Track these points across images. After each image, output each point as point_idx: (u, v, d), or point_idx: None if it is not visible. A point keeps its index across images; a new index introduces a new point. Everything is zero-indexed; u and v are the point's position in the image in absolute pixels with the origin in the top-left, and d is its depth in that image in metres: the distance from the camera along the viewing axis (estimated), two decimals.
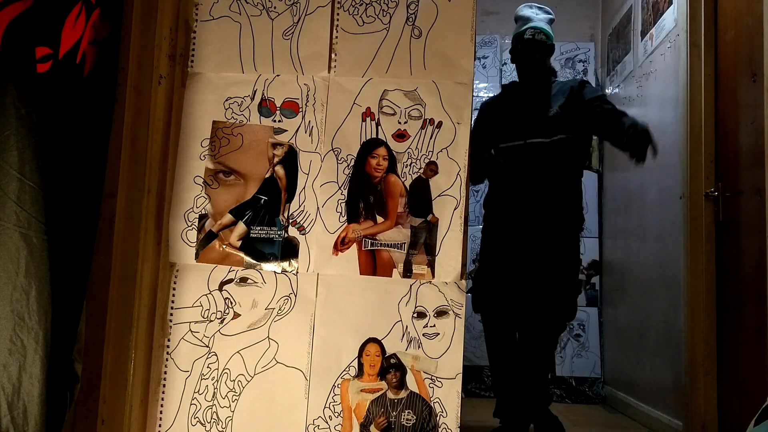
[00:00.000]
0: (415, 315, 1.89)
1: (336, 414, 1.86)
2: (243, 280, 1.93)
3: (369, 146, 1.96)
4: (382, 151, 1.95)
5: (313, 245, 1.92)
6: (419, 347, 1.88)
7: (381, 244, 1.91)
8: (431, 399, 1.86)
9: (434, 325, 1.88)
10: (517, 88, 3.00)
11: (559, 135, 2.80)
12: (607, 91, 4.25)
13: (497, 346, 2.89)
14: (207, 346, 1.91)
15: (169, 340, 1.91)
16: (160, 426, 1.88)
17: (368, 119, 1.97)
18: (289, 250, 1.92)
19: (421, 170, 1.94)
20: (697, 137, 2.74)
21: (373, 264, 1.91)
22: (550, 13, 3.02)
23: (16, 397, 1.41)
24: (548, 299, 2.76)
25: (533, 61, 2.90)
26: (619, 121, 2.61)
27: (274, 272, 1.92)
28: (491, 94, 4.38)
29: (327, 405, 1.87)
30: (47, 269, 1.45)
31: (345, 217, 1.93)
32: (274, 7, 2.03)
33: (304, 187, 1.95)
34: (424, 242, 1.90)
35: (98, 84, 1.66)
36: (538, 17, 2.94)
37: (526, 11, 2.99)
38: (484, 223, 3.01)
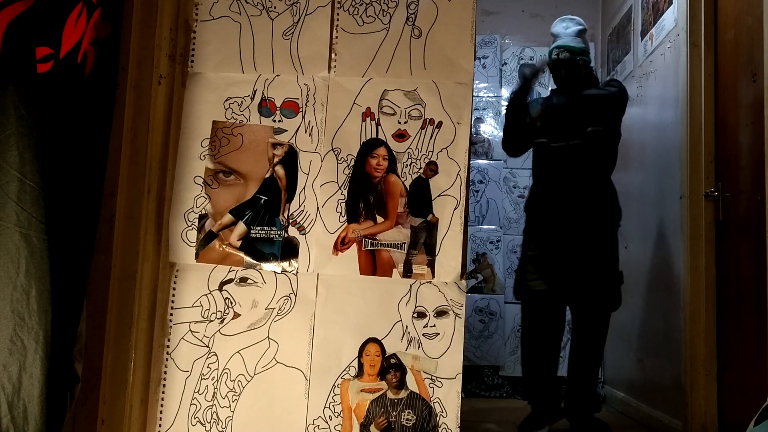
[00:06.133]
0: (415, 315, 1.89)
1: (336, 414, 1.86)
2: (243, 280, 1.93)
3: (369, 146, 1.96)
4: (382, 151, 1.95)
5: (313, 245, 1.92)
6: (419, 347, 1.88)
7: (381, 244, 1.91)
8: (431, 399, 1.86)
9: (434, 325, 1.88)
10: (560, 92, 3.17)
11: (592, 127, 2.97)
12: None
13: (535, 331, 2.99)
14: (207, 346, 1.91)
15: (169, 340, 1.92)
16: (160, 426, 1.88)
17: (368, 119, 1.97)
18: (289, 250, 1.92)
19: (421, 170, 1.94)
20: (697, 137, 2.74)
21: (373, 264, 1.91)
22: (580, 24, 3.14)
23: (16, 397, 1.41)
24: (591, 292, 2.91)
25: (561, 79, 3.11)
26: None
27: (274, 272, 1.92)
28: (492, 95, 4.38)
29: (327, 405, 1.87)
30: (47, 269, 1.45)
31: (345, 217, 1.93)
32: (274, 7, 2.03)
33: (304, 187, 1.95)
34: (424, 242, 1.90)
35: (99, 84, 1.66)
36: (566, 32, 3.10)
37: (556, 27, 3.17)
38: (527, 222, 3.16)
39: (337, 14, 2.01)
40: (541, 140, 3.07)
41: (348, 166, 1.95)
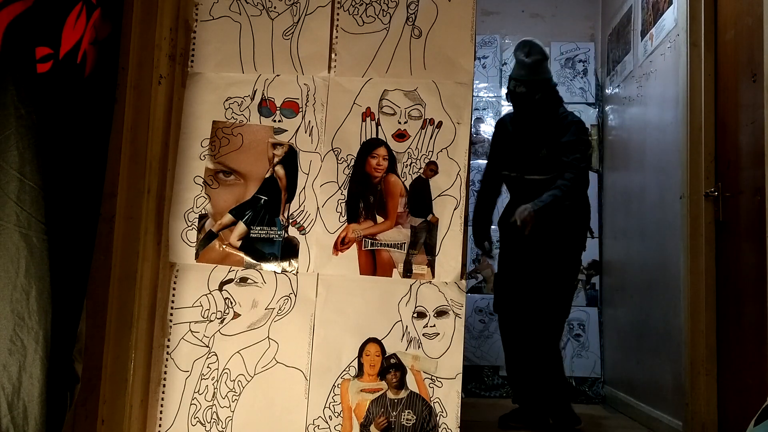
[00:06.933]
0: (415, 315, 1.89)
1: (336, 414, 1.86)
2: (243, 280, 1.93)
3: (369, 146, 1.96)
4: (382, 151, 1.95)
5: (313, 245, 1.92)
6: (419, 347, 1.88)
7: (381, 244, 1.91)
8: (431, 399, 1.86)
9: (434, 325, 1.88)
10: (515, 119, 3.29)
11: (552, 174, 3.08)
12: (607, 91, 4.25)
13: (511, 343, 3.18)
14: (207, 346, 1.91)
15: (169, 340, 1.91)
16: (160, 426, 1.88)
17: (368, 119, 1.97)
18: (289, 250, 1.92)
19: (421, 170, 1.94)
20: (697, 137, 2.74)
21: (373, 264, 1.91)
22: (541, 53, 3.18)
23: (16, 397, 1.41)
24: (542, 299, 3.08)
25: (516, 111, 3.24)
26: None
27: (274, 272, 1.92)
28: (492, 95, 4.38)
29: (327, 405, 1.87)
30: (47, 269, 1.45)
31: (345, 217, 1.93)
32: (274, 7, 2.03)
33: (304, 187, 1.95)
34: (424, 242, 1.90)
35: (98, 84, 1.66)
36: (527, 61, 3.14)
37: (518, 52, 3.20)
38: (500, 238, 3.31)
39: (337, 14, 2.01)
40: (504, 172, 3.23)
41: (348, 166, 1.95)
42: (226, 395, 1.89)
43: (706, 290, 2.65)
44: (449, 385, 1.86)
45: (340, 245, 1.92)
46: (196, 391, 1.89)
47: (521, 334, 3.14)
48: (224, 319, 1.92)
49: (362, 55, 1.99)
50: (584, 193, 3.22)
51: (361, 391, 1.87)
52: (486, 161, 3.51)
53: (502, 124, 3.37)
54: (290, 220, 1.94)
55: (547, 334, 3.09)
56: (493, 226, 3.39)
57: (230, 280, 1.93)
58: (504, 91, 4.36)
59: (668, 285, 3.04)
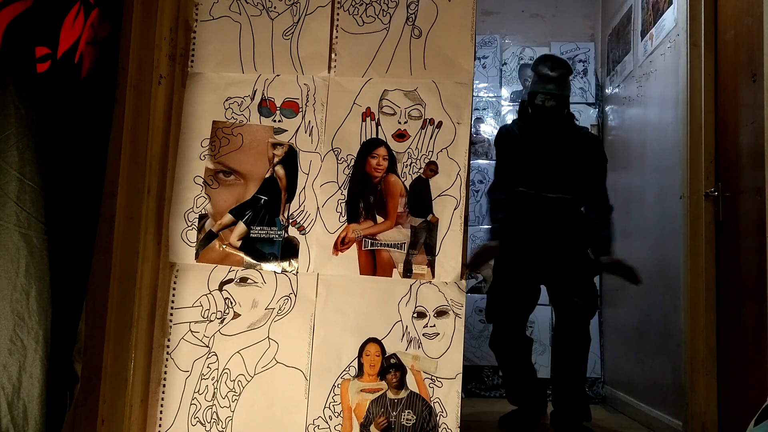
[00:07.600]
0: (415, 315, 1.89)
1: (336, 414, 1.86)
2: (243, 280, 1.93)
3: (369, 146, 1.96)
4: (382, 151, 1.95)
5: (313, 245, 1.92)
6: (419, 347, 1.88)
7: (381, 244, 1.91)
8: (431, 399, 1.86)
9: (434, 325, 1.88)
10: (532, 133, 3.10)
11: (573, 193, 3.02)
12: (607, 91, 4.25)
13: (510, 351, 3.09)
14: (207, 346, 1.91)
15: (169, 340, 1.91)
16: (160, 426, 1.88)
17: (368, 119, 1.97)
18: (289, 250, 1.92)
19: (421, 170, 1.94)
20: (697, 137, 2.74)
21: (373, 264, 1.91)
22: (566, 68, 3.09)
23: (16, 397, 1.41)
24: (569, 292, 2.99)
25: (540, 124, 3.07)
26: (599, 237, 3.00)
27: (274, 272, 1.92)
28: (492, 95, 4.38)
29: (327, 405, 1.87)
30: (47, 269, 1.45)
31: (345, 217, 1.93)
32: (274, 7, 2.03)
33: (304, 187, 1.95)
34: (424, 242, 1.90)
35: (97, 84, 1.66)
36: (552, 75, 3.03)
37: (542, 66, 3.08)
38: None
39: (337, 14, 2.01)
40: (521, 189, 3.05)
41: (348, 166, 1.95)
42: (226, 395, 1.89)
43: (706, 290, 2.66)
44: (449, 385, 1.86)
45: (340, 245, 1.92)
46: (196, 391, 1.89)
47: (519, 342, 3.08)
48: (224, 319, 1.92)
49: (362, 55, 1.99)
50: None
51: (361, 391, 1.87)
52: (495, 173, 3.22)
53: (508, 134, 3.14)
54: (290, 220, 1.94)
55: (577, 343, 2.97)
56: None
57: (230, 280, 1.93)
58: (504, 91, 4.38)
59: (668, 285, 3.03)
